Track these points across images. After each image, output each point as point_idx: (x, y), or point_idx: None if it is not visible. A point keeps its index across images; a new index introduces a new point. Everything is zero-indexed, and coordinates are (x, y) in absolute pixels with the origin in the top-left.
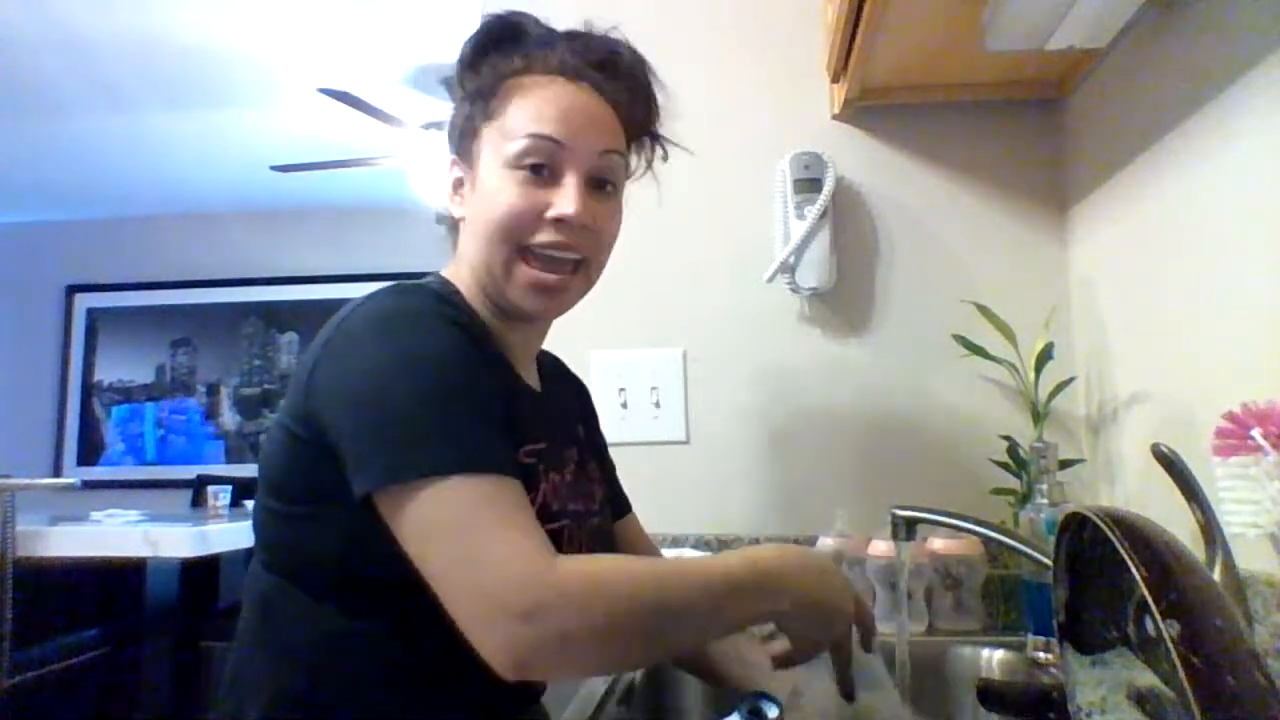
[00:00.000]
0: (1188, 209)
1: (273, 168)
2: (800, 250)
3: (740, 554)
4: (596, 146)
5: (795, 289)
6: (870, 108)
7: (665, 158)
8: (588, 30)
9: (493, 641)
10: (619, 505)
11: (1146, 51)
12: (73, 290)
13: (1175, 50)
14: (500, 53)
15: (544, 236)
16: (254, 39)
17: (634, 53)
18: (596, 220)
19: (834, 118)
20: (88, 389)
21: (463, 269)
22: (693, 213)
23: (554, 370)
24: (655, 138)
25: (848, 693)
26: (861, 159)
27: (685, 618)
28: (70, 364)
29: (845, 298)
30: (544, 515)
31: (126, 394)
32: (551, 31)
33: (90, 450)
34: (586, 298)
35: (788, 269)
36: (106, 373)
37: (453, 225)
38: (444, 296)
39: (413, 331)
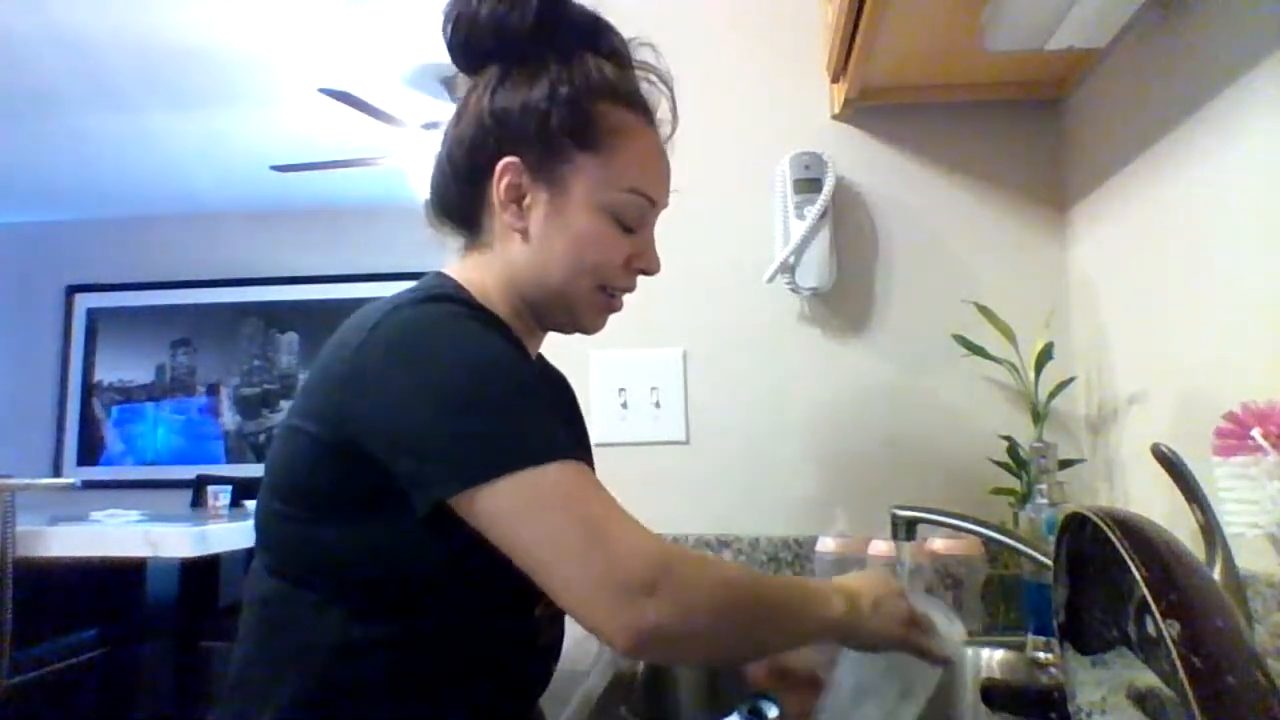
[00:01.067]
0: (1188, 209)
1: (273, 168)
2: (800, 250)
3: (827, 586)
4: (668, 201)
5: (795, 289)
6: (870, 108)
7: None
8: (609, 25)
9: (615, 616)
10: None
11: (1146, 51)
12: (73, 290)
13: (1175, 50)
14: (558, 39)
15: (626, 282)
16: (254, 39)
17: (665, 78)
18: (659, 266)
19: (834, 118)
20: (88, 389)
21: (489, 274)
22: (693, 213)
23: (546, 371)
24: None
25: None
26: (861, 159)
27: (781, 617)
28: (70, 364)
29: (845, 298)
30: None
31: (126, 394)
32: (584, 17)
33: (90, 450)
34: None
35: (788, 269)
36: (106, 373)
37: (465, 217)
38: (465, 300)
39: (463, 337)
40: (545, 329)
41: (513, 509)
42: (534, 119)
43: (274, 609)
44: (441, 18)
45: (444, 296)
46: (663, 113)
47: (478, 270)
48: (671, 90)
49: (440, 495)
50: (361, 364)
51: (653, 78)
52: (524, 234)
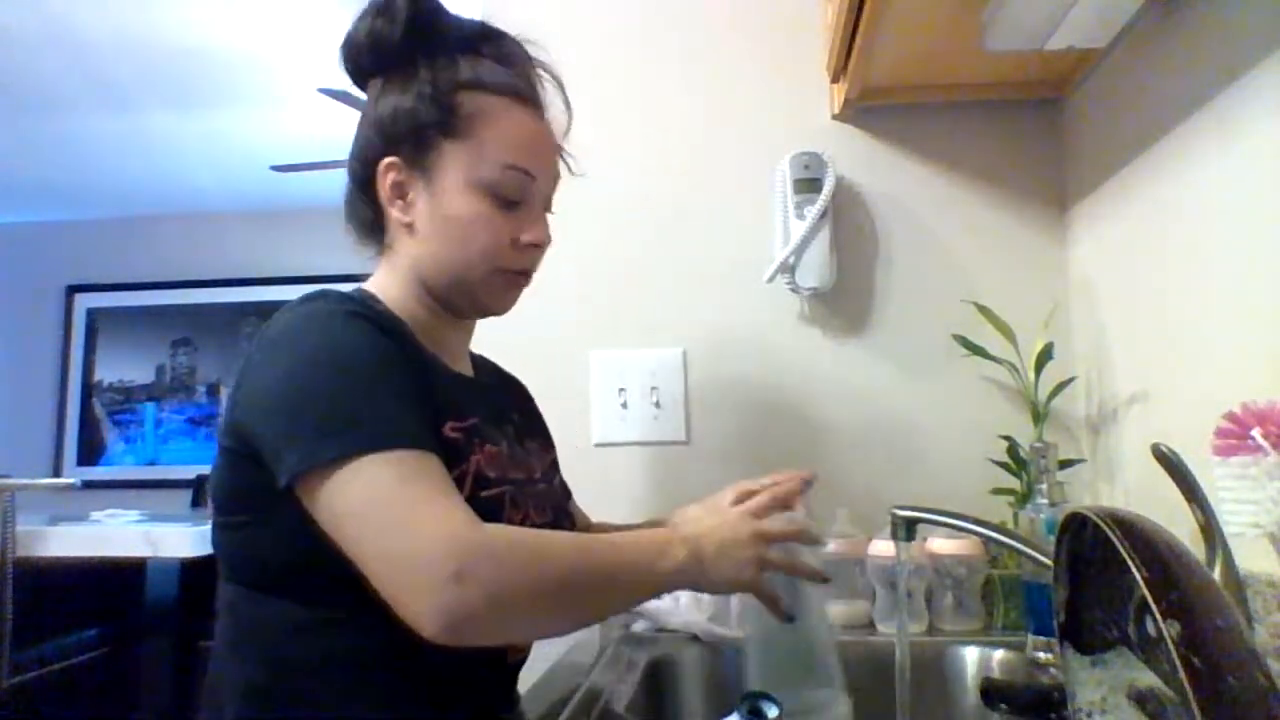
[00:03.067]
0: (1188, 209)
1: (273, 168)
2: (800, 250)
3: (666, 537)
4: (552, 174)
5: (795, 289)
6: (870, 108)
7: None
8: (499, 32)
9: (423, 606)
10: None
11: (1146, 51)
12: (73, 290)
13: (1175, 50)
14: (430, 47)
15: (517, 261)
16: (254, 39)
17: (551, 71)
18: (549, 238)
19: (834, 118)
20: (88, 389)
21: (395, 276)
22: (693, 213)
23: (489, 368)
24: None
25: (787, 616)
26: (861, 159)
27: (613, 580)
28: (70, 364)
29: (845, 298)
30: (482, 482)
31: (126, 394)
32: (465, 27)
33: (90, 450)
34: (587, 298)
35: (788, 269)
36: (106, 373)
37: (371, 225)
38: (349, 296)
39: (319, 331)
40: (457, 317)
41: (333, 500)
42: (404, 118)
43: (233, 610)
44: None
45: (321, 294)
46: (551, 105)
47: (386, 275)
48: (561, 83)
49: (286, 481)
50: (243, 372)
51: (540, 72)
52: (411, 228)
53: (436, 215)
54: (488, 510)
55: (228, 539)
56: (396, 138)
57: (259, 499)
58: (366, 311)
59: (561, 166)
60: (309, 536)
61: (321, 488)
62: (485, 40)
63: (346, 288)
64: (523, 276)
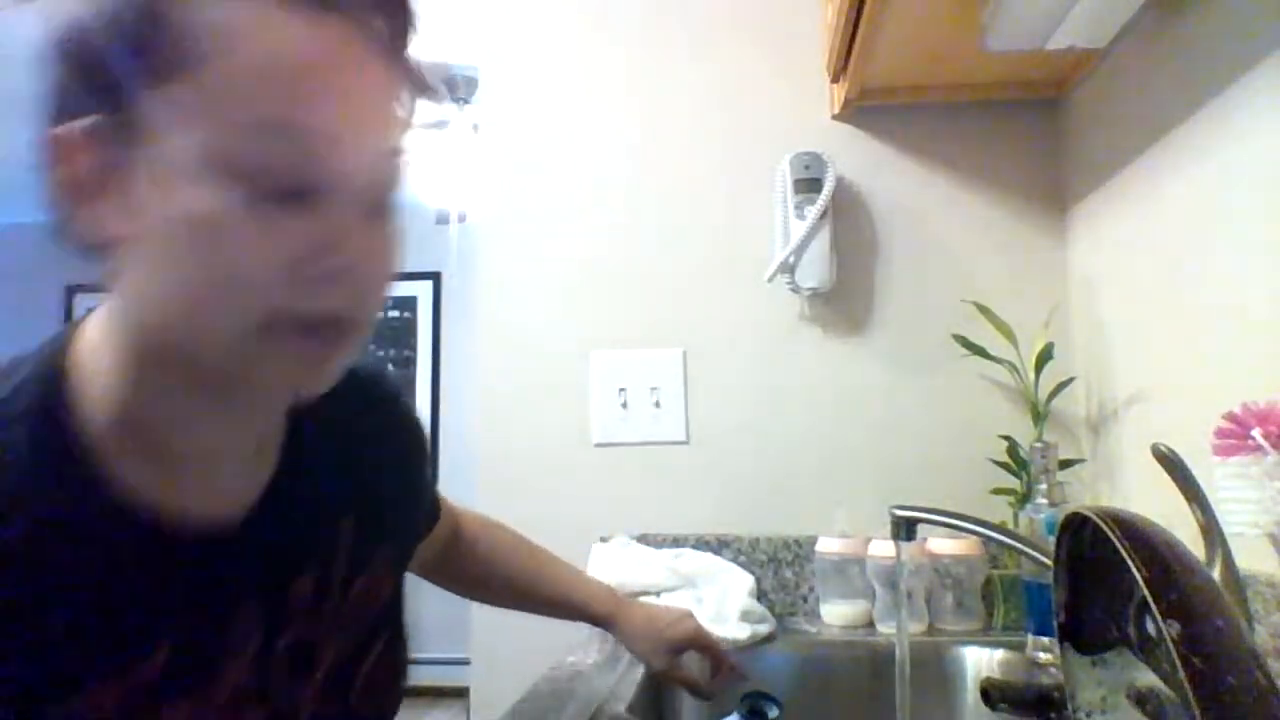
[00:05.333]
0: (1187, 209)
1: None
2: (800, 250)
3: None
4: (377, 132)
5: (795, 289)
6: (870, 108)
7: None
8: None
9: None
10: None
11: (1146, 51)
12: (73, 290)
13: (1175, 50)
14: None
15: (306, 300)
16: None
17: None
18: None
19: (834, 118)
20: None
21: (112, 328)
22: (693, 213)
23: (321, 445)
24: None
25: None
26: (861, 159)
27: None
28: None
29: (845, 298)
30: None
31: None
32: None
33: None
34: (587, 298)
35: (788, 269)
36: None
37: (87, 243)
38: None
39: None
40: (227, 400)
41: None
42: (84, 50)
43: None
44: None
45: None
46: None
47: (102, 328)
48: None
49: None
50: None
51: None
52: (122, 244)
53: (152, 220)
54: None
55: None
56: (79, 87)
57: None
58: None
59: (424, 110)
60: None
61: None
62: None
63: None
64: (326, 332)
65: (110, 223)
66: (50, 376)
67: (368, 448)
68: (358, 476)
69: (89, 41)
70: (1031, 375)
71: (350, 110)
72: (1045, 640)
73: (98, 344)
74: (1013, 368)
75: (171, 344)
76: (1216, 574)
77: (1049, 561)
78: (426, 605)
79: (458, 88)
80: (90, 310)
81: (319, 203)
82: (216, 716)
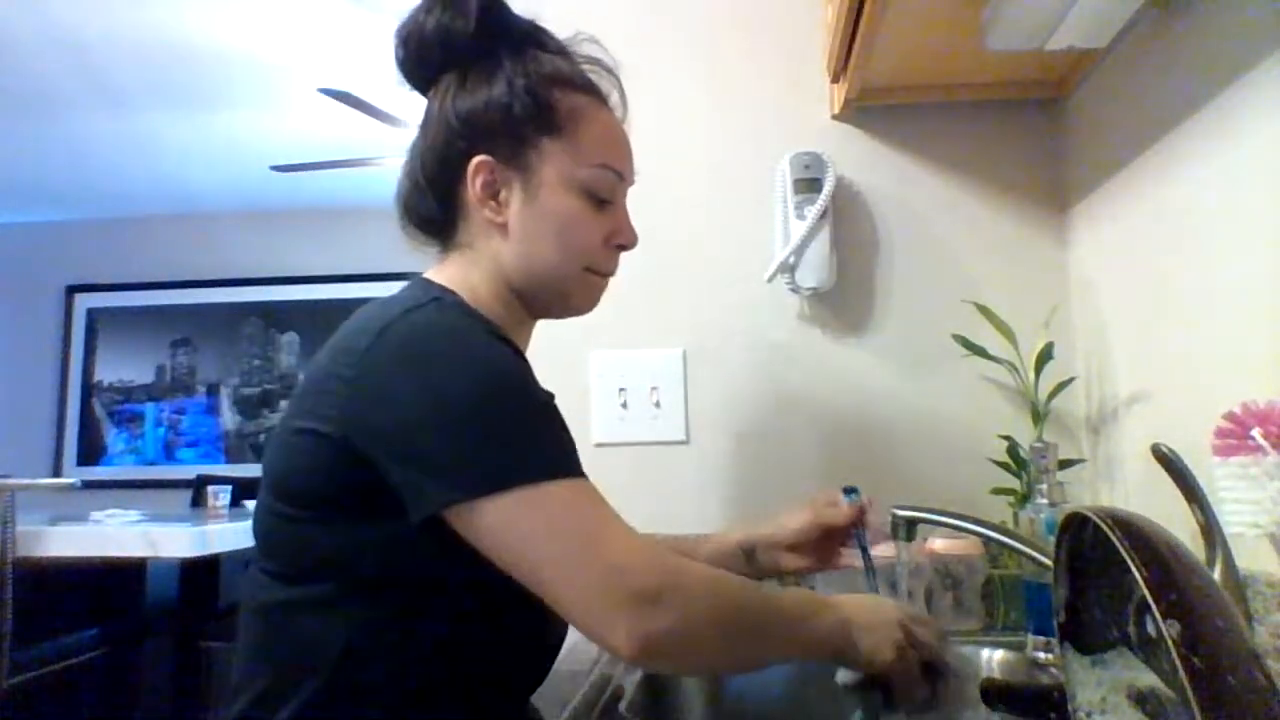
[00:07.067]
0: (1187, 209)
1: (272, 168)
2: (800, 250)
3: (815, 598)
4: (632, 175)
5: (795, 289)
6: (870, 108)
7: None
8: (544, 29)
9: (621, 627)
10: None
11: (1146, 51)
12: (73, 290)
13: (1175, 50)
14: (507, 41)
15: (607, 262)
16: (254, 39)
17: (610, 67)
18: (637, 240)
19: (834, 118)
20: (88, 389)
21: (475, 273)
22: (693, 213)
23: None
24: None
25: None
26: (861, 159)
27: (775, 629)
28: (70, 364)
29: (845, 298)
30: None
31: (126, 394)
32: (523, 21)
33: (90, 450)
34: None
35: (788, 269)
36: (106, 373)
37: (439, 224)
38: (461, 303)
39: (464, 348)
40: (537, 317)
41: (516, 523)
42: (498, 113)
43: (276, 616)
44: (394, 42)
45: (452, 305)
46: (613, 101)
47: (462, 271)
48: (619, 79)
49: (437, 506)
50: (369, 368)
51: (599, 70)
52: (504, 229)
53: (534, 213)
54: None
55: (286, 532)
56: (490, 134)
57: (346, 501)
58: (497, 330)
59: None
60: (393, 551)
61: (502, 510)
62: (542, 34)
63: (439, 282)
64: (607, 278)
65: (490, 215)
66: (456, 302)
67: None
68: None
69: (505, 109)
70: (1031, 375)
71: (630, 161)
72: (1045, 640)
73: (475, 283)
74: (1013, 368)
75: (539, 277)
76: (1216, 574)
77: (1049, 561)
78: None
79: None
80: (421, 274)
81: (616, 208)
82: None
